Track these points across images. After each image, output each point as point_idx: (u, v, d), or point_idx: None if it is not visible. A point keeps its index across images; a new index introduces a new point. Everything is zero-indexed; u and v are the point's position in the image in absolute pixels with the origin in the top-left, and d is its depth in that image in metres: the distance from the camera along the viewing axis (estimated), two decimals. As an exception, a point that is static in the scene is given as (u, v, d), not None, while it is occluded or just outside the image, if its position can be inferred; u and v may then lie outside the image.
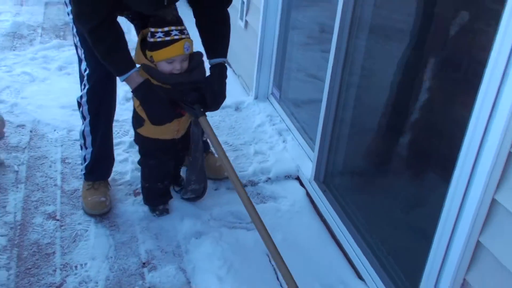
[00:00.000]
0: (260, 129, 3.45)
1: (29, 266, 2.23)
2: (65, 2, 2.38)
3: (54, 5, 5.75)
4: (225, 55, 2.38)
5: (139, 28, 2.46)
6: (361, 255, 2.38)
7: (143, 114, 2.27)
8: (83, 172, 2.65)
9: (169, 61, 2.18)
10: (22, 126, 3.27)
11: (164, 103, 2.19)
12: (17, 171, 2.84)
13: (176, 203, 2.63)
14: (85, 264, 2.28)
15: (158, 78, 2.20)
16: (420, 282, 1.93)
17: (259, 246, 2.42)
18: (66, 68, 4.14)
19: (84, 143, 2.59)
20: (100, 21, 2.07)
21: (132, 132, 3.24)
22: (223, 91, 2.36)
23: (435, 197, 2.00)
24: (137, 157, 2.97)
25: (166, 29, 2.15)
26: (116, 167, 2.92)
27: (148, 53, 2.21)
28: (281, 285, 2.26)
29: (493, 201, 1.55)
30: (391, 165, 2.48)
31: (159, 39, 2.16)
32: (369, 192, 2.60)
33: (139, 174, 2.84)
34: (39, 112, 3.45)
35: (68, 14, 2.35)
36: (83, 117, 2.54)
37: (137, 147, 2.58)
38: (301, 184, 2.94)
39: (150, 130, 2.36)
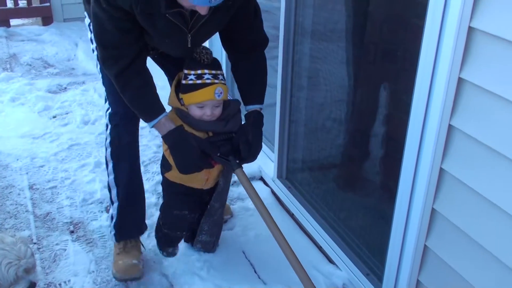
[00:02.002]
0: (219, 138, 3.58)
1: (14, 290, 2.28)
2: (90, 39, 2.26)
3: (-5, 39, 5.71)
4: (261, 102, 2.23)
5: (166, 68, 2.41)
6: (329, 241, 2.55)
7: (171, 160, 2.11)
8: (113, 232, 2.42)
9: (199, 105, 2.05)
10: (-17, 159, 3.29)
11: (194, 153, 2.03)
12: (-15, 203, 2.87)
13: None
14: (69, 280, 2.35)
15: (190, 124, 2.08)
16: (386, 256, 2.11)
17: (234, 245, 2.56)
18: (19, 99, 4.14)
19: (110, 197, 2.40)
20: (128, 65, 1.96)
21: (95, 153, 3.34)
22: (258, 141, 2.17)
23: (390, 177, 2.20)
24: (104, 176, 3.06)
25: (199, 71, 2.03)
26: (85, 187, 3.01)
27: (180, 95, 2.09)
28: (259, 277, 2.40)
29: (441, 170, 1.75)
30: (347, 154, 2.67)
31: (190, 82, 2.03)
32: (330, 182, 2.77)
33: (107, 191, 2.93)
34: (-2, 143, 3.47)
35: (93, 51, 2.25)
36: (106, 164, 2.38)
37: (105, 167, 2.40)
38: (265, 183, 3.10)
39: (178, 176, 2.20)
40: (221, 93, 2.04)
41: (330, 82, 2.66)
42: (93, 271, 2.42)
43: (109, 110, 2.30)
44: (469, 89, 1.60)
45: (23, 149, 3.40)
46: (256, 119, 2.19)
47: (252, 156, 2.15)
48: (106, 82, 2.25)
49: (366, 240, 2.44)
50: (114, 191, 2.37)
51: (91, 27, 2.03)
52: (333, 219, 2.62)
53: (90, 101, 4.09)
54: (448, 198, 1.77)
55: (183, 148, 2.03)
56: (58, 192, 2.99)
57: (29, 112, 3.93)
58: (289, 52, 2.76)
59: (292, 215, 2.83)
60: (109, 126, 2.31)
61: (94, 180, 3.07)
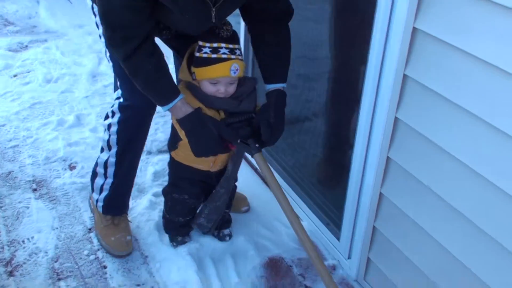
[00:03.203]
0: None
1: (-24, 247, 2.28)
2: (96, 23, 2.05)
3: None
4: (284, 80, 2.03)
5: (179, 50, 2.16)
6: (293, 194, 2.60)
7: (182, 134, 1.96)
8: (101, 204, 2.31)
9: (212, 81, 1.90)
10: None
11: (213, 139, 1.90)
12: None
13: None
14: (32, 237, 2.36)
15: (201, 100, 1.94)
16: (345, 204, 2.17)
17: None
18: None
19: (105, 173, 2.26)
20: (137, 46, 1.76)
21: (58, 111, 3.30)
22: (281, 123, 2.00)
23: (349, 128, 2.24)
24: (67, 134, 3.06)
25: (214, 45, 1.87)
26: (48, 145, 2.98)
27: (192, 69, 1.94)
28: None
29: (396, 119, 1.79)
30: (308, 110, 2.70)
31: (204, 55, 1.88)
32: (294, 137, 2.80)
33: (72, 149, 2.93)
34: (-43, 103, 3.39)
35: (100, 37, 2.05)
36: (108, 147, 2.21)
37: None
38: (230, 139, 3.11)
39: (184, 156, 2.11)
40: (237, 69, 1.89)
41: (295, 38, 2.65)
42: (57, 228, 2.42)
43: (121, 100, 2.12)
44: (423, 38, 1.62)
45: (-18, 109, 3.34)
46: (279, 98, 2.01)
47: (274, 139, 2.00)
48: (118, 70, 2.04)
49: (326, 191, 2.49)
50: (111, 169, 2.24)
51: (96, 6, 1.79)
52: (295, 172, 2.66)
53: (53, 59, 4.00)
54: (402, 146, 1.81)
55: (201, 133, 1.90)
56: (20, 151, 2.95)
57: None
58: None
59: (256, 170, 2.86)
60: (118, 116, 2.13)
61: (57, 138, 3.04)
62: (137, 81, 1.86)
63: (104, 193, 2.29)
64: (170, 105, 1.87)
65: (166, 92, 1.88)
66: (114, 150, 2.21)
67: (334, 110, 2.44)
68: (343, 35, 2.29)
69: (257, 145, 1.95)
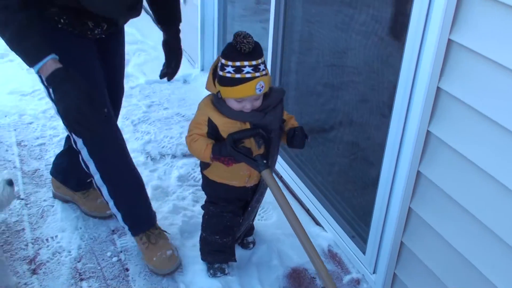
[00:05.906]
0: (210, 100, 3.57)
1: (1, 243, 2.29)
2: None
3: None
4: (180, 19, 2.33)
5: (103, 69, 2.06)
6: (317, 203, 2.57)
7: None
8: (126, 227, 2.23)
9: (238, 100, 1.85)
10: (-29, 115, 3.26)
11: (82, 97, 1.73)
12: (-27, 158, 2.86)
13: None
14: (56, 236, 2.37)
15: (226, 114, 1.88)
16: (372, 219, 2.13)
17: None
18: (7, 56, 4.08)
19: (102, 196, 2.17)
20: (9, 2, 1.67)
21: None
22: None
23: (378, 140, 2.21)
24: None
25: (237, 63, 1.78)
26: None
27: (217, 86, 1.87)
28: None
29: (428, 133, 1.75)
30: (336, 119, 2.67)
31: (228, 75, 1.80)
32: (320, 147, 2.78)
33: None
34: (-13, 100, 3.44)
35: None
36: (86, 166, 2.07)
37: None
38: (255, 146, 3.10)
39: (217, 173, 2.03)
40: (262, 87, 1.82)
41: (322, 47, 2.64)
42: (81, 228, 2.43)
43: None
44: (458, 51, 1.59)
45: (11, 105, 3.38)
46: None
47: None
48: None
49: (353, 203, 2.46)
50: (104, 190, 2.13)
51: None
52: (321, 183, 2.64)
53: (80, 60, 4.04)
54: (433, 161, 1.78)
55: (67, 88, 1.73)
56: (47, 149, 2.98)
57: (18, 69, 3.87)
58: (280, 15, 2.75)
59: (280, 178, 2.85)
60: None
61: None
62: (5, 37, 1.73)
63: (119, 216, 2.19)
64: (40, 64, 1.72)
65: (35, 49, 1.74)
66: (92, 166, 2.06)
67: (363, 120, 2.41)
68: (374, 45, 2.26)
69: (264, 161, 1.88)
